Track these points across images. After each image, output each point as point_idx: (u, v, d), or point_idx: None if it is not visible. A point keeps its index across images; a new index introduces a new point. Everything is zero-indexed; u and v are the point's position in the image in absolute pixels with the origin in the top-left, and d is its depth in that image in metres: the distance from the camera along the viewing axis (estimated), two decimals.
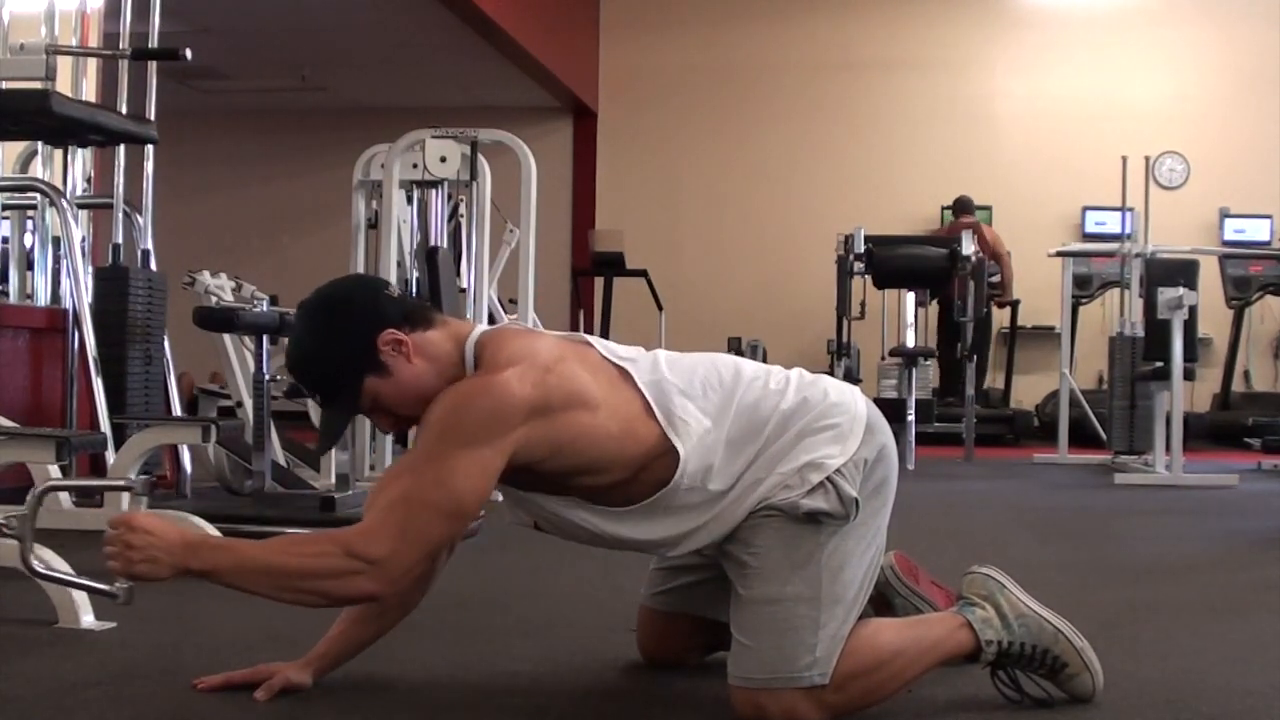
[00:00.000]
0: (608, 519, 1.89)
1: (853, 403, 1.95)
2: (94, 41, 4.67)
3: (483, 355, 1.84)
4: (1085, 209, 10.25)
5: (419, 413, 1.85)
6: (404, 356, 1.84)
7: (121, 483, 1.83)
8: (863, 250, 7.56)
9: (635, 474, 1.85)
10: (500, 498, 2.00)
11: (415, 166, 5.03)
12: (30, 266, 4.47)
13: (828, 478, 1.84)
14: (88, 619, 2.43)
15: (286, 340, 4.47)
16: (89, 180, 4.56)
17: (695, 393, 1.89)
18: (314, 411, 4.83)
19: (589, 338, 1.96)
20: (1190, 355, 6.31)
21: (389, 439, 5.16)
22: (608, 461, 1.83)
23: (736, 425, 1.88)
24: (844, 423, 1.90)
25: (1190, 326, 6.25)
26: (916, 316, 7.87)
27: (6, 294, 4.67)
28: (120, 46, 4.21)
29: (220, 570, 1.76)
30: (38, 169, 4.48)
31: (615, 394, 1.86)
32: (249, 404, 4.63)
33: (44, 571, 1.81)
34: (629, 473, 1.85)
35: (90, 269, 4.09)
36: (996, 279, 9.41)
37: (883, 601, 2.20)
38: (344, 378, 1.86)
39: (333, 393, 1.89)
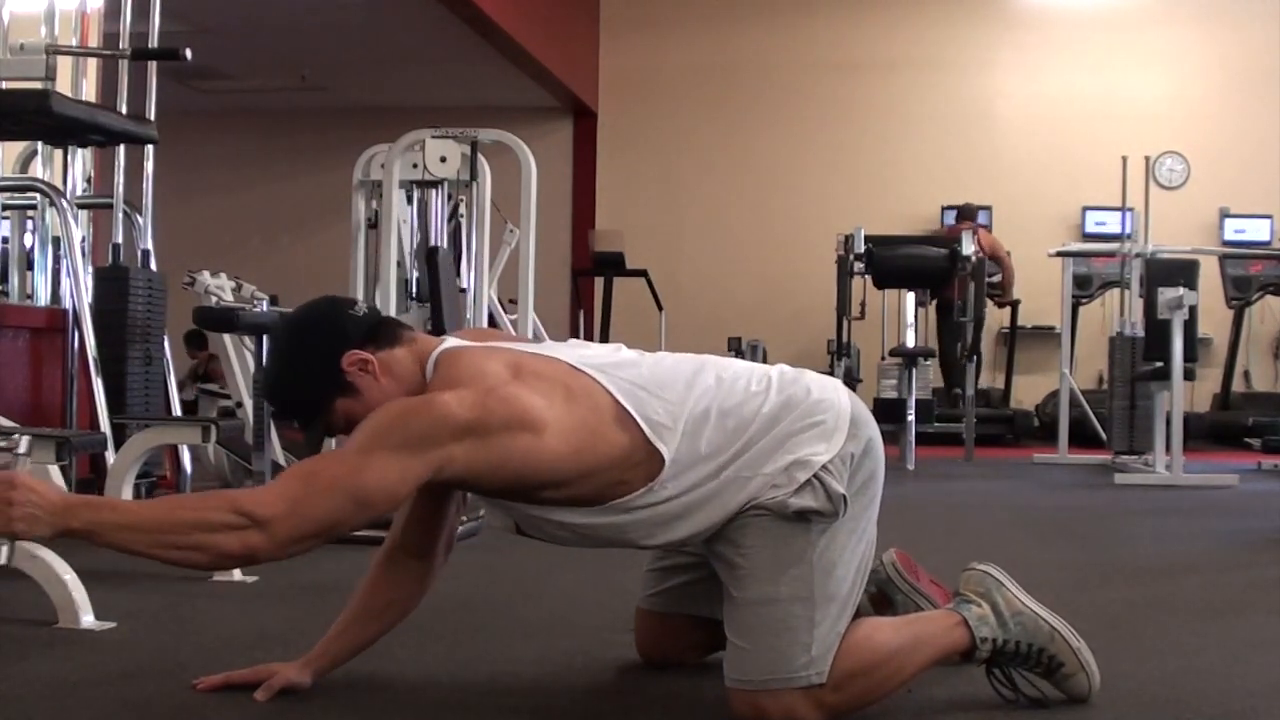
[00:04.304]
0: (586, 516, 1.86)
1: (836, 398, 1.93)
2: (94, 41, 4.66)
3: (435, 374, 1.84)
4: (1085, 209, 10.25)
5: None
6: (371, 375, 1.85)
7: (3, 445, 1.80)
8: (863, 250, 7.56)
9: (611, 483, 1.82)
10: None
11: (415, 166, 5.02)
12: (30, 266, 4.46)
13: (815, 475, 1.83)
14: (88, 619, 2.44)
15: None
16: (89, 180, 4.55)
17: (674, 396, 1.86)
18: None
19: (560, 350, 1.92)
20: (1190, 355, 6.31)
21: None
22: (563, 477, 1.80)
23: (718, 430, 1.85)
24: (828, 419, 1.89)
25: (1190, 326, 6.25)
26: (916, 316, 7.87)
27: (6, 294, 4.66)
28: (120, 46, 4.20)
29: (101, 528, 1.70)
30: (38, 169, 4.48)
31: (572, 411, 1.81)
32: (249, 404, 4.64)
33: None
34: (598, 483, 1.82)
35: (90, 269, 4.09)
36: (996, 279, 9.42)
37: (884, 598, 2.20)
38: (313, 401, 1.87)
39: (305, 418, 1.91)
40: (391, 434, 1.74)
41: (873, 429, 1.94)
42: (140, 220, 4.42)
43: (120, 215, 4.31)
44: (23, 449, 1.80)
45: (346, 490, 1.71)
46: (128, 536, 1.69)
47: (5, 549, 1.80)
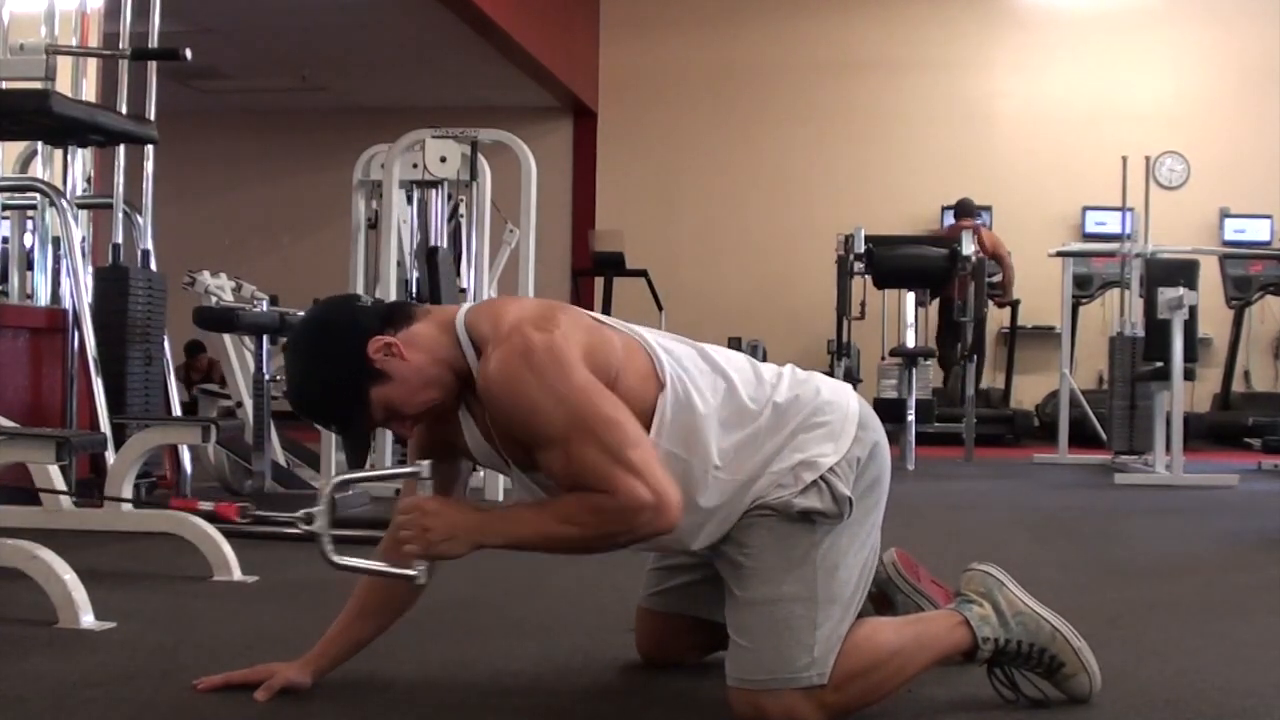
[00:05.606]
0: None
1: (845, 401, 1.95)
2: (94, 41, 4.67)
3: (480, 328, 1.84)
4: (1085, 209, 10.25)
5: (431, 402, 1.86)
6: (397, 357, 1.84)
7: (412, 470, 1.86)
8: (863, 250, 7.56)
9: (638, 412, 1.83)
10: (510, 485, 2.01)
11: (415, 166, 5.03)
12: (30, 266, 4.47)
13: (821, 476, 1.84)
14: (87, 619, 2.44)
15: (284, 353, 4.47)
16: (89, 180, 4.56)
17: (689, 365, 1.89)
18: None
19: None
20: (1190, 355, 6.31)
21: (388, 438, 5.16)
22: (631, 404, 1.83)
23: (727, 408, 1.87)
24: (836, 420, 1.90)
25: (1190, 326, 6.25)
26: (916, 316, 7.86)
27: (6, 294, 4.66)
28: (120, 46, 4.21)
29: (520, 541, 1.83)
30: (38, 169, 4.48)
31: (624, 344, 1.88)
32: (249, 404, 4.64)
33: (342, 563, 1.88)
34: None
35: (90, 269, 4.09)
36: (997, 279, 9.42)
37: (884, 599, 2.20)
38: (349, 399, 1.85)
39: (345, 417, 1.90)
40: (540, 383, 1.74)
41: (879, 434, 1.95)
42: (140, 220, 4.42)
43: (120, 215, 4.31)
44: (426, 474, 1.84)
45: (616, 441, 1.74)
46: (545, 547, 1.84)
47: (425, 569, 1.86)
